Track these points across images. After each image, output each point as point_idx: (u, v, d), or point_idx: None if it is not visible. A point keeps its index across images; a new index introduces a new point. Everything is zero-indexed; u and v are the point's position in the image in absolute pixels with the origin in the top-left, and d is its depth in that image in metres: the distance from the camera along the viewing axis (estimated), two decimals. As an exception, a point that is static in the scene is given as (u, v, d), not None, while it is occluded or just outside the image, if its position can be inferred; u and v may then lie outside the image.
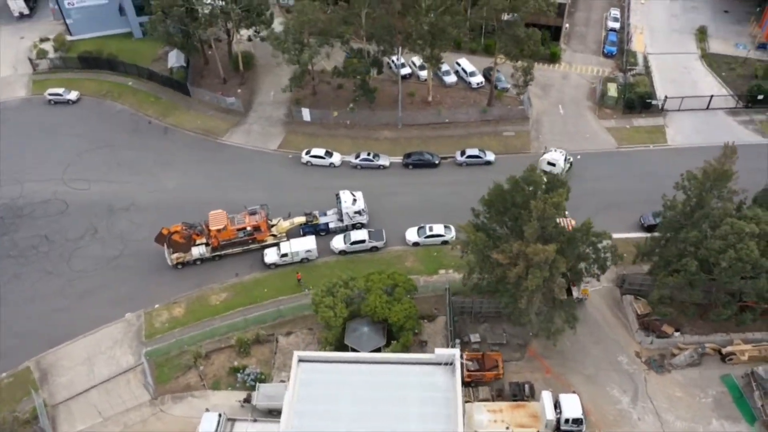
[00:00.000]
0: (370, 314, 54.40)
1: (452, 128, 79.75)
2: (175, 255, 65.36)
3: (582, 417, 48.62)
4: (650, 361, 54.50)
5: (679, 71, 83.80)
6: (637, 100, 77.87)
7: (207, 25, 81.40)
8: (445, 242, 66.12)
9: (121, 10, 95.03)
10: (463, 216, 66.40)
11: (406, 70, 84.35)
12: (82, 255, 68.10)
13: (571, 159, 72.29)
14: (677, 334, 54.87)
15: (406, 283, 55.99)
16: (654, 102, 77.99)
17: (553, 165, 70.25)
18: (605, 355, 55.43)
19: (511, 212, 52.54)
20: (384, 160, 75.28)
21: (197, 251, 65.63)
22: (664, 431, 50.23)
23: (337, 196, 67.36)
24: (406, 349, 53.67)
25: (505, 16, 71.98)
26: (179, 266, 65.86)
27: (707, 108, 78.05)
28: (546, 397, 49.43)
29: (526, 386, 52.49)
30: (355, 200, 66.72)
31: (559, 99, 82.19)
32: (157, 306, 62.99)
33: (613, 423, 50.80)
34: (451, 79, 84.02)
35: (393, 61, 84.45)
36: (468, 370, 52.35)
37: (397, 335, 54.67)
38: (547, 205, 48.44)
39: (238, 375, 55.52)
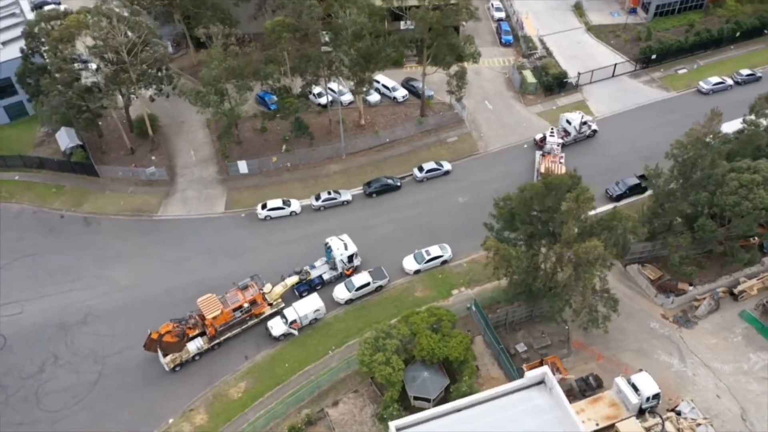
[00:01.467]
0: (427, 357, 52.35)
1: (396, 146, 78.80)
2: (169, 357, 57.93)
3: (659, 391, 50.95)
4: (677, 319, 58.44)
5: (574, 47, 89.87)
6: (554, 82, 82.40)
7: (106, 94, 72.43)
8: (444, 262, 65.40)
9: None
10: (444, 232, 67.42)
11: (324, 99, 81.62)
12: (52, 391, 57.83)
13: (593, 126, 76.27)
14: (691, 288, 59.32)
15: (447, 315, 54.57)
16: (568, 80, 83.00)
17: (569, 123, 74.69)
18: (639, 327, 58.43)
19: (535, 217, 53.15)
20: (345, 195, 72.41)
21: (194, 346, 58.64)
22: (719, 379, 54.21)
23: (327, 245, 63.64)
24: (471, 382, 52.38)
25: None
26: (177, 368, 58.47)
27: (612, 76, 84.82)
28: (621, 383, 51.06)
29: (591, 378, 53.75)
30: (346, 245, 63.50)
31: (483, 95, 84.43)
32: (171, 420, 55.38)
33: (678, 386, 53.77)
34: (375, 97, 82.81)
35: (312, 93, 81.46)
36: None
37: (457, 370, 53.26)
38: (580, 203, 49.74)
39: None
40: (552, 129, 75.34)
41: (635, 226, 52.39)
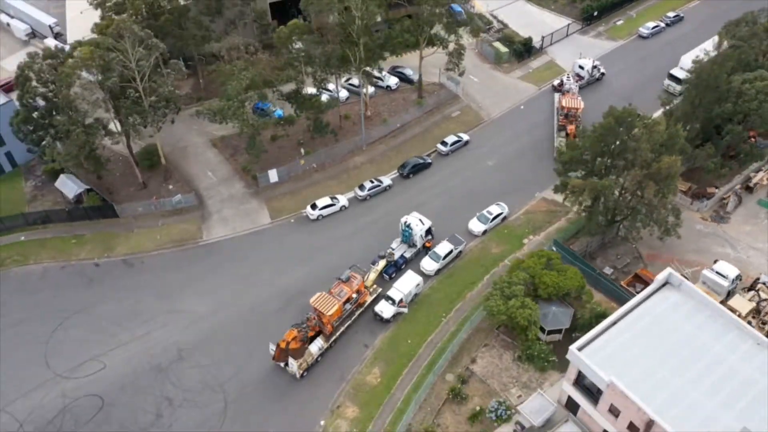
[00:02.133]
0: (553, 293, 57.23)
1: (408, 130, 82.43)
2: (297, 363, 57.53)
3: (740, 272, 59.99)
4: (714, 218, 68.29)
5: (523, 17, 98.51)
6: (523, 48, 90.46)
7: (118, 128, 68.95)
8: (504, 218, 70.43)
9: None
10: (489, 193, 72.95)
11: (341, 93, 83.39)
12: (183, 431, 55.28)
13: (602, 69, 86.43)
14: (717, 190, 69.54)
15: (554, 254, 59.78)
16: (533, 45, 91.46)
17: (582, 68, 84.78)
18: (689, 231, 66.65)
19: (608, 151, 59.79)
20: (386, 181, 75.00)
21: (315, 347, 58.62)
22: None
23: (406, 224, 65.98)
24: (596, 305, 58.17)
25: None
26: (305, 374, 58.16)
27: (567, 35, 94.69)
28: (708, 273, 59.37)
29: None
30: (421, 220, 66.37)
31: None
32: (323, 422, 55.31)
33: (742, 266, 62.98)
34: (371, 89, 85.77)
35: (325, 89, 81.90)
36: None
37: (575, 300, 58.75)
38: (650, 128, 57.28)
39: (488, 414, 53.58)
40: (567, 74, 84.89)
41: (684, 144, 61.02)
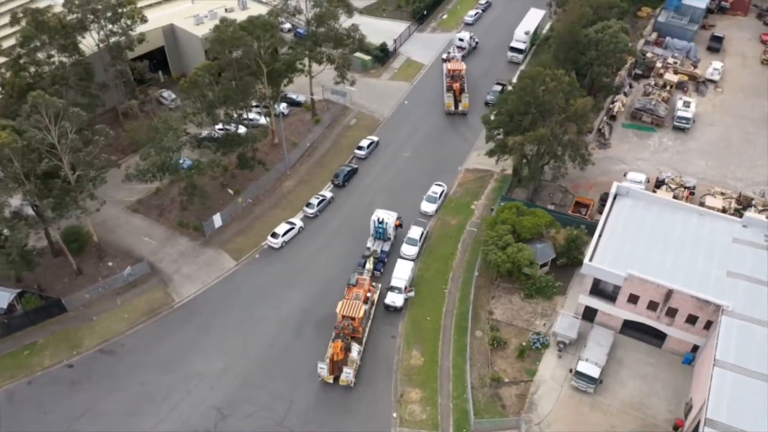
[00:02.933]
0: (534, 234, 65.91)
1: (319, 147, 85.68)
2: (345, 372, 58.49)
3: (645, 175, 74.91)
4: (600, 146, 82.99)
5: (366, 27, 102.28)
6: (382, 54, 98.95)
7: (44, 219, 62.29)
8: (445, 195, 77.75)
9: None
10: (421, 177, 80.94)
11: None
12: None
13: (476, 40, 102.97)
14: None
15: (516, 203, 68.53)
16: (388, 49, 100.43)
17: (462, 40, 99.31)
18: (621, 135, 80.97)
19: (529, 105, 70.13)
20: (328, 194, 77.80)
21: (355, 352, 60.16)
22: (653, 158, 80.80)
23: (379, 220, 69.68)
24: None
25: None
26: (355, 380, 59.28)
27: (410, 35, 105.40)
28: (627, 183, 73.03)
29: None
30: (387, 215, 70.78)
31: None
32: (395, 414, 57.32)
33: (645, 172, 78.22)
34: (263, 120, 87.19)
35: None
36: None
37: (544, 232, 68.34)
38: (559, 80, 69.04)
39: (533, 346, 60.14)
40: (451, 48, 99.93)
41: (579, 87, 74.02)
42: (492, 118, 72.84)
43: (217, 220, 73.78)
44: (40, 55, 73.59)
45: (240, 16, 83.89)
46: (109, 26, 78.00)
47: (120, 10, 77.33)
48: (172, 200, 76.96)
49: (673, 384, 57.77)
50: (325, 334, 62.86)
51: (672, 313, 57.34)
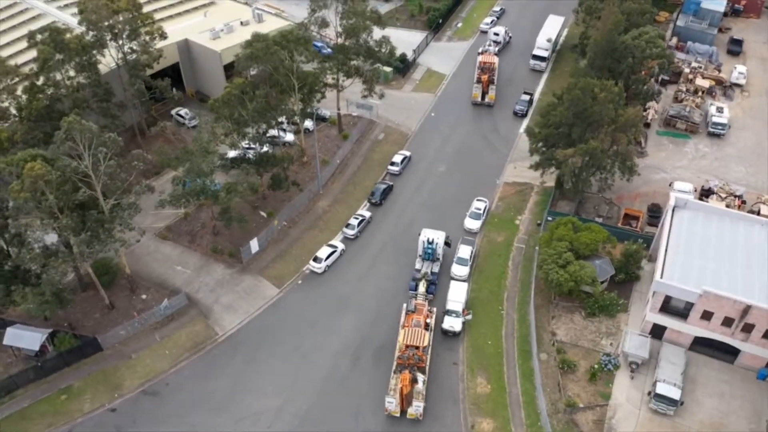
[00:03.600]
0: (592, 250, 63.65)
1: (350, 163, 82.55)
2: (416, 406, 55.41)
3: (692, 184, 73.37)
4: (637, 155, 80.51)
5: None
6: (402, 65, 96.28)
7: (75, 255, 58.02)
8: (487, 210, 75.23)
9: None
10: (458, 193, 78.09)
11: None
12: None
13: (510, 34, 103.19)
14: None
15: (573, 219, 66.25)
16: (408, 60, 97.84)
17: (497, 35, 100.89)
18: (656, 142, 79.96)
19: (577, 117, 68.12)
20: (365, 213, 74.65)
21: (420, 383, 56.96)
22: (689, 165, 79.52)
23: (429, 240, 66.80)
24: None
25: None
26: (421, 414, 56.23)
27: (427, 45, 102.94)
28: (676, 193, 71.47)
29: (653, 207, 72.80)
30: (448, 237, 68.00)
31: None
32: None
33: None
34: (290, 137, 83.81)
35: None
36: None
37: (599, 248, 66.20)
38: (611, 93, 67.13)
39: (605, 368, 57.77)
40: (487, 42, 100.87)
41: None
42: (537, 130, 70.56)
43: (254, 245, 70.11)
44: (58, 76, 69.34)
45: (256, 29, 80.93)
46: (129, 44, 74.10)
47: (139, 28, 73.55)
48: (202, 225, 73.15)
49: (750, 401, 55.95)
50: (385, 363, 59.79)
51: (748, 328, 55.55)
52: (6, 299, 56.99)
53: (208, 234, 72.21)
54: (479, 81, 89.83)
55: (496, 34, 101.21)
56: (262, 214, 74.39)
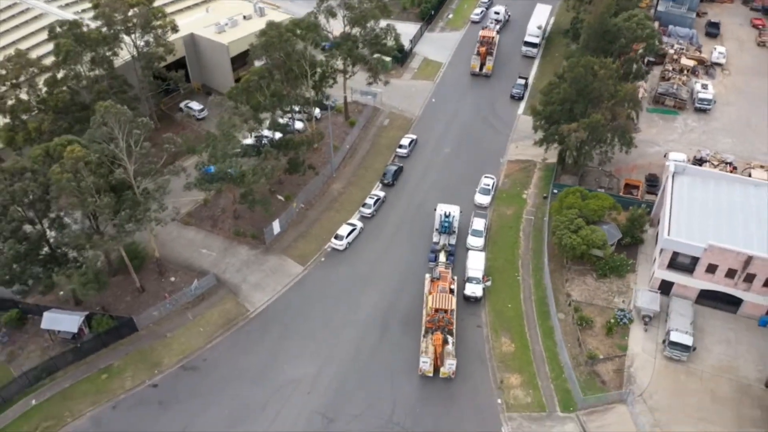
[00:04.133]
0: (601, 216, 67.70)
1: (359, 148, 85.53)
2: (449, 364, 58.57)
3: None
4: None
5: None
6: (400, 55, 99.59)
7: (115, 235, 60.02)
8: (495, 186, 78.95)
9: None
10: (466, 171, 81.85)
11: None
12: None
13: (509, 12, 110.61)
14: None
15: (580, 188, 70.30)
16: (405, 49, 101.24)
17: (498, 13, 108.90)
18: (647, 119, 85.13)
19: (581, 94, 72.23)
20: (380, 193, 77.67)
21: (450, 344, 60.04)
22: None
23: (446, 214, 70.24)
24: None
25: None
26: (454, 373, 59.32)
27: (421, 35, 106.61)
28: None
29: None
30: (453, 209, 71.39)
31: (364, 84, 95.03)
32: (500, 400, 57.92)
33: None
34: (299, 125, 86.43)
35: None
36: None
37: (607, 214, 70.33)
38: (608, 69, 71.43)
39: (620, 322, 61.68)
40: (489, 21, 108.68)
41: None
42: (540, 108, 74.49)
43: (276, 226, 72.62)
44: (79, 68, 71.10)
45: (259, 23, 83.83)
46: (143, 37, 76.15)
47: (153, 22, 75.67)
48: (222, 210, 75.42)
49: (756, 346, 60.43)
50: (412, 330, 62.96)
51: (750, 278, 60.07)
52: (48, 281, 58.53)
53: (230, 218, 74.50)
54: (478, 54, 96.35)
55: (497, 13, 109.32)
56: (280, 197, 76.92)
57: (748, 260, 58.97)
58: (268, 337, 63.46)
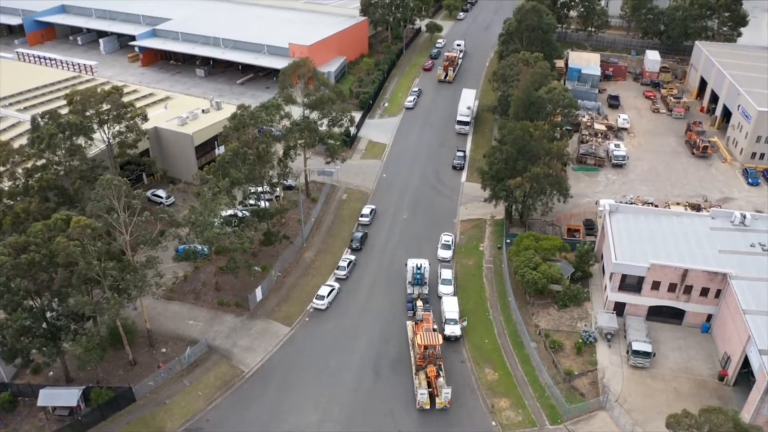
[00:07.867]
0: (554, 253, 76.33)
1: (323, 220, 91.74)
2: (445, 393, 62.88)
3: (612, 200, 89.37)
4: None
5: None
6: (346, 140, 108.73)
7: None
8: (454, 242, 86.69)
9: None
10: (424, 231, 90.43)
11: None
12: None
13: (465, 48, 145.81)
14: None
15: (534, 233, 79.06)
16: (351, 135, 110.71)
17: (459, 45, 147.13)
18: (574, 176, 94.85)
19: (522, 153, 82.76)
20: (351, 257, 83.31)
21: (441, 378, 64.85)
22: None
23: (418, 267, 76.51)
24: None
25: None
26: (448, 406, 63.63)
27: (363, 122, 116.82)
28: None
29: (588, 221, 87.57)
30: (424, 262, 78.00)
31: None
32: (494, 423, 62.44)
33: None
34: (262, 204, 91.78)
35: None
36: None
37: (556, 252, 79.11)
38: (547, 130, 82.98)
39: (587, 342, 68.47)
40: (452, 49, 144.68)
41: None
42: (487, 168, 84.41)
43: (259, 293, 76.36)
44: (58, 152, 75.05)
45: (217, 116, 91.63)
46: (116, 126, 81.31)
47: (126, 113, 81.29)
48: (203, 284, 78.42)
49: (704, 348, 68.96)
50: (403, 370, 67.38)
51: (688, 290, 69.51)
52: (53, 350, 59.24)
53: (211, 290, 77.55)
54: (445, 69, 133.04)
55: (458, 45, 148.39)
56: (257, 269, 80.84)
57: (685, 273, 68.65)
58: (268, 391, 65.75)
